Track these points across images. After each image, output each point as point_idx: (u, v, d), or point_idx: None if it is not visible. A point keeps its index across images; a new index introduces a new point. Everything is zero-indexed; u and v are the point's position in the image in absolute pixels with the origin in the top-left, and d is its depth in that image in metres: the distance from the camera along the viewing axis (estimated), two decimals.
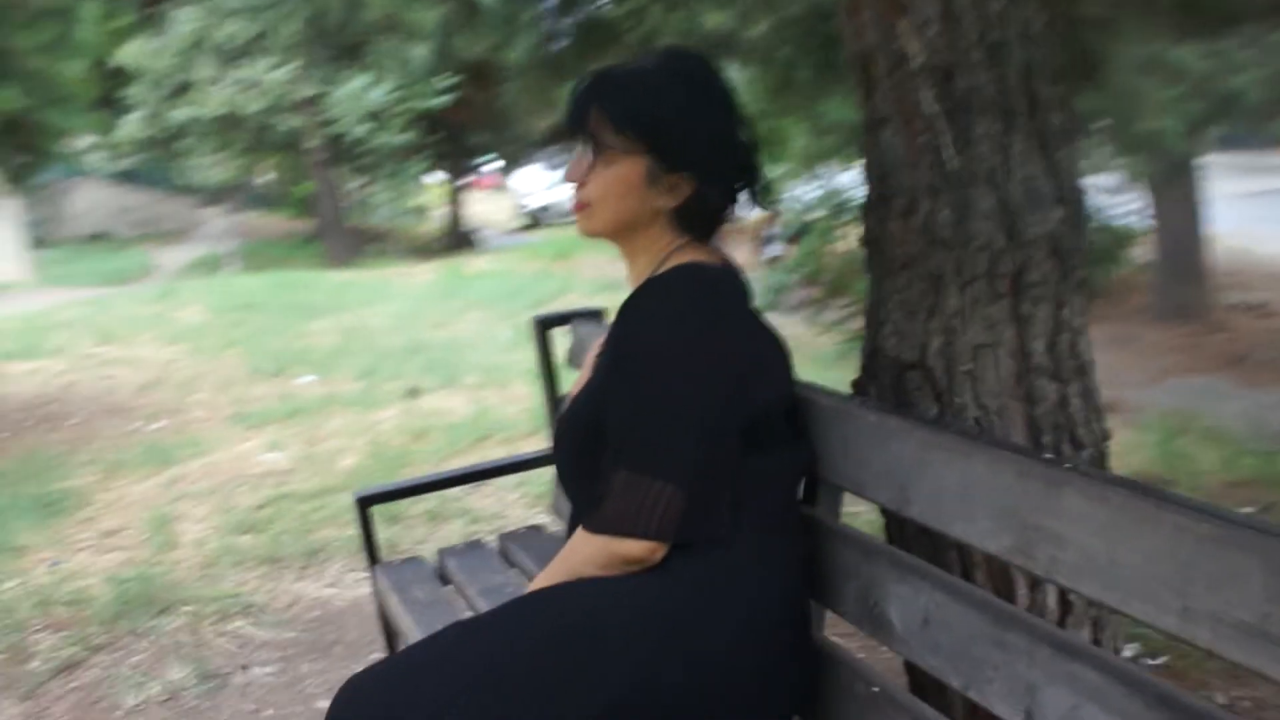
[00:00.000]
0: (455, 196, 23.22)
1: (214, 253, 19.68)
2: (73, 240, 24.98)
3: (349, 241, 18.65)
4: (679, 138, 1.52)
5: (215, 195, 22.15)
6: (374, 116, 16.68)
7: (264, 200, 28.68)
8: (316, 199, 19.24)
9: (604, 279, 14.96)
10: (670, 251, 1.56)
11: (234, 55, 15.63)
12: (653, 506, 1.38)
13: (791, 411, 1.59)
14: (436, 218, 23.72)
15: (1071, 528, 1.13)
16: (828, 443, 1.56)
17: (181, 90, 16.46)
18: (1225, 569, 0.97)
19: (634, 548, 1.39)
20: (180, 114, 16.41)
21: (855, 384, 1.78)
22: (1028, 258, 1.57)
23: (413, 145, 17.92)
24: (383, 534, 3.85)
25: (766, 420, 1.48)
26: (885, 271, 1.69)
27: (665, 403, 1.40)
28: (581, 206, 1.58)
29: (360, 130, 16.97)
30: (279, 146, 18.17)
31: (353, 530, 3.99)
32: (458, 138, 20.27)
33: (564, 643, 1.37)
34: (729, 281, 1.50)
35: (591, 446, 1.48)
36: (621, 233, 1.59)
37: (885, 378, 1.69)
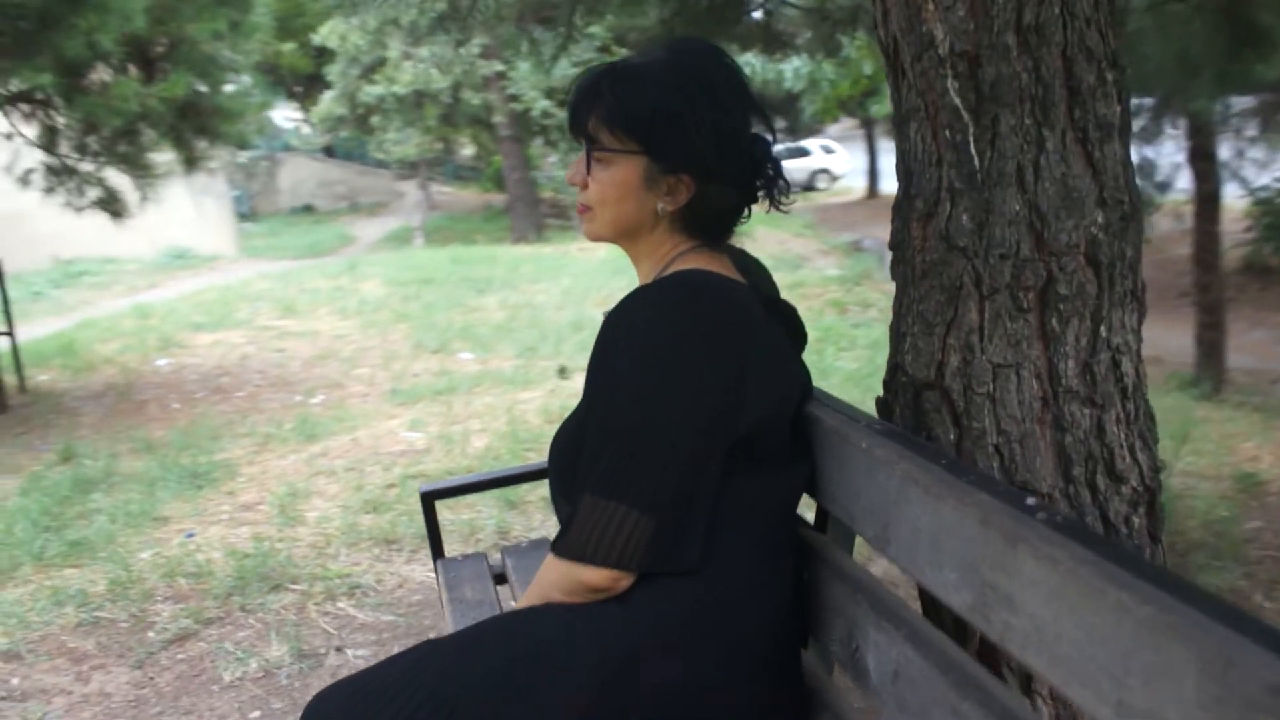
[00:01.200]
0: None
1: (407, 225, 20.50)
2: (281, 213, 26.55)
3: (533, 217, 19.06)
4: (675, 137, 1.43)
5: (412, 169, 23.00)
6: (555, 92, 16.93)
7: (460, 174, 29.66)
8: (504, 174, 19.74)
9: (786, 255, 14.77)
10: (673, 257, 1.48)
11: (424, 32, 16.11)
12: (616, 533, 1.30)
13: (796, 427, 1.48)
14: None
15: (1024, 591, 0.99)
16: (826, 466, 1.44)
17: (374, 68, 17.14)
18: (1162, 661, 0.82)
19: (596, 575, 1.31)
20: (372, 91, 17.09)
21: (879, 403, 1.64)
22: (1057, 268, 1.40)
23: None
24: (499, 519, 3.92)
25: (759, 439, 1.38)
26: (907, 279, 1.54)
27: (635, 423, 1.31)
28: (584, 210, 1.52)
29: (544, 105, 17.27)
30: (469, 122, 18.71)
31: (468, 514, 4.08)
32: None
33: (519, 670, 1.32)
34: (724, 291, 1.39)
35: (575, 466, 1.41)
36: (624, 237, 1.52)
37: (905, 397, 1.54)
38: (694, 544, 1.33)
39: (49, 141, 6.35)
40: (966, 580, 1.09)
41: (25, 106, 6.15)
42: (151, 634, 3.19)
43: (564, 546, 1.34)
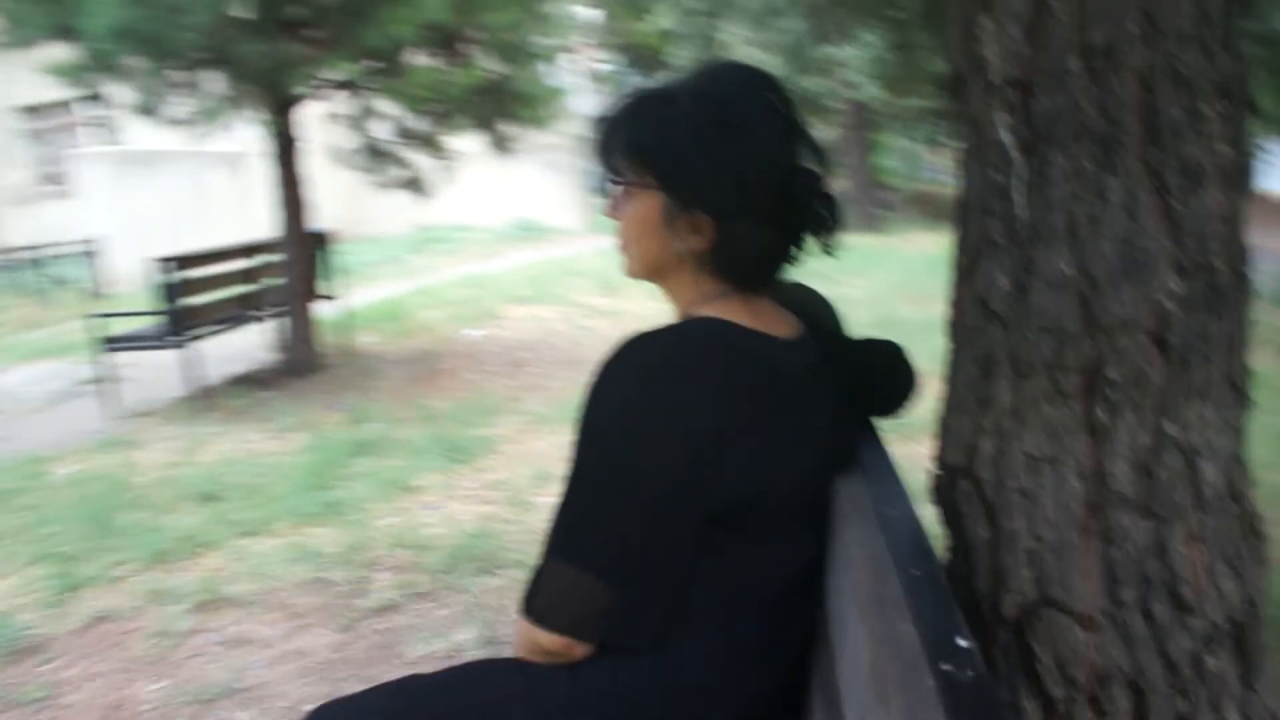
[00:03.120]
0: None
1: None
2: None
3: (865, 207, 18.69)
4: (687, 172, 1.32)
5: None
6: (888, 78, 16.44)
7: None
8: (844, 163, 19.47)
9: None
10: (698, 303, 1.37)
11: (760, 15, 16.12)
12: (570, 598, 1.24)
13: (815, 502, 1.33)
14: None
15: None
16: (834, 553, 1.28)
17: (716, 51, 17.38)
18: None
19: (549, 640, 1.26)
20: None
21: (931, 486, 1.42)
22: (1108, 347, 1.14)
23: (931, 108, 17.46)
24: None
25: (748, 515, 1.25)
26: (952, 346, 1.33)
27: (599, 483, 1.23)
28: (621, 247, 1.44)
29: (875, 92, 16.84)
30: (809, 108, 18.59)
31: None
32: None
33: None
34: (726, 349, 1.25)
35: None
36: (654, 276, 1.43)
37: (943, 482, 1.33)
38: (650, 622, 1.24)
39: (362, 124, 6.94)
40: None
41: (342, 93, 6.77)
42: (362, 601, 3.41)
43: (525, 604, 1.29)
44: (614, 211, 1.43)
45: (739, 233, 1.32)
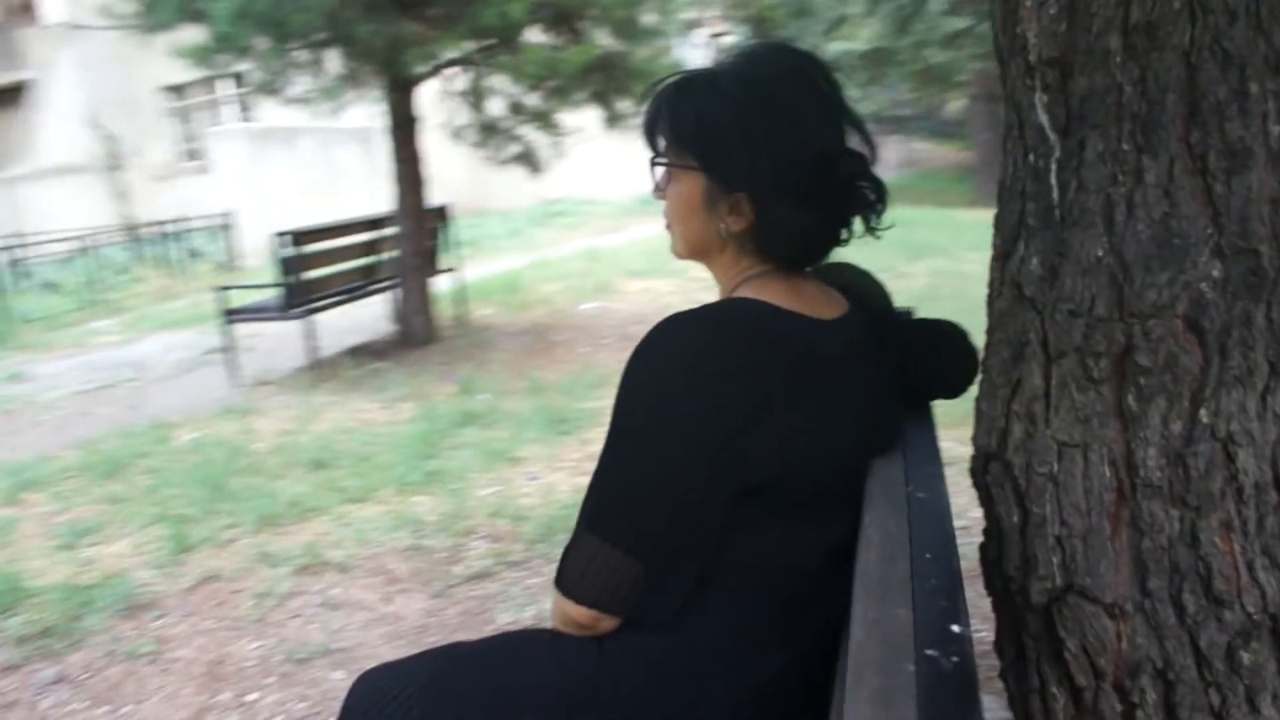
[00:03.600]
0: None
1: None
2: None
3: (994, 178, 18.18)
4: (725, 153, 1.34)
5: (895, 124, 22.72)
6: None
7: (943, 130, 28.90)
8: (971, 135, 18.98)
9: None
10: (740, 282, 1.39)
11: None
12: (598, 572, 1.27)
13: (849, 483, 1.34)
14: None
15: None
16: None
17: (836, 25, 17.09)
18: None
19: (578, 612, 1.30)
20: (833, 48, 17.09)
21: (970, 470, 1.41)
22: (1140, 332, 1.12)
23: None
24: None
25: (777, 492, 1.27)
26: (988, 329, 1.31)
27: (627, 458, 1.27)
28: (666, 227, 1.47)
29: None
30: (931, 80, 18.15)
31: None
32: None
33: (499, 698, 1.34)
34: (761, 327, 1.27)
35: None
36: (699, 256, 1.46)
37: (977, 464, 1.32)
38: (674, 596, 1.26)
39: (478, 101, 7.07)
40: None
41: (458, 70, 6.90)
42: (458, 568, 3.52)
43: (558, 576, 1.32)
44: (659, 192, 1.46)
45: (780, 214, 1.33)
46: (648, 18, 6.84)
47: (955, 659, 0.87)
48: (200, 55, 6.16)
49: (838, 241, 1.42)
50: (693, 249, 1.45)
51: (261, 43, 6.10)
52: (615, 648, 1.29)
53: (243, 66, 6.40)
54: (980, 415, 1.27)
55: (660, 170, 1.44)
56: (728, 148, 1.33)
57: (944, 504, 1.22)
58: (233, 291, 7.16)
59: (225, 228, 14.56)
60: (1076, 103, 1.16)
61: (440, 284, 7.89)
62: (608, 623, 1.28)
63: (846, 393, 1.31)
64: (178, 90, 20.04)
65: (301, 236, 6.71)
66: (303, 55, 6.33)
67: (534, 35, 6.84)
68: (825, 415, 1.28)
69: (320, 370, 6.80)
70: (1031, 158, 1.21)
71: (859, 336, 1.39)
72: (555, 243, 14.39)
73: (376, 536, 3.78)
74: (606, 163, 16.31)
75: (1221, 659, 1.13)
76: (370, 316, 8.42)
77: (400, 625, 3.16)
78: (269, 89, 6.33)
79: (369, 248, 7.47)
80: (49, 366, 8.29)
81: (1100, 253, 1.13)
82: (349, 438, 5.10)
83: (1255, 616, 1.13)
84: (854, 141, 1.40)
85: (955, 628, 0.92)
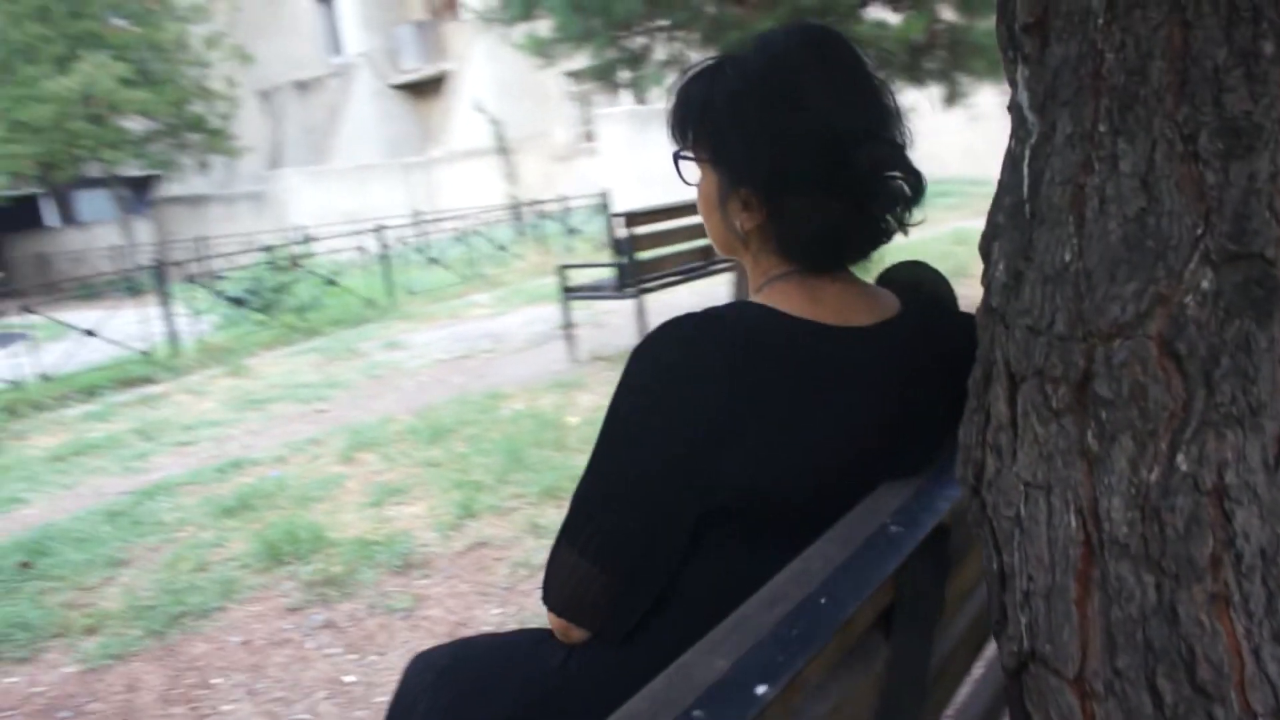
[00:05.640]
0: None
1: None
2: None
3: None
4: (725, 143, 1.28)
5: None
6: None
7: None
8: None
9: None
10: (762, 285, 1.33)
11: None
12: (566, 580, 1.29)
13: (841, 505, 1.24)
14: None
15: None
16: None
17: None
18: None
19: (551, 618, 1.32)
20: None
21: None
22: (1102, 355, 0.91)
23: None
24: None
25: (749, 514, 1.21)
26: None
27: (600, 469, 1.25)
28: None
29: None
30: None
31: None
32: None
33: (477, 689, 1.38)
34: (753, 341, 1.19)
35: None
36: (729, 254, 1.41)
37: (965, 496, 1.14)
38: (634, 610, 1.23)
39: None
40: None
41: None
42: None
43: (543, 581, 1.34)
44: (690, 185, 1.41)
45: (792, 209, 1.24)
46: None
47: None
48: (537, 47, 6.55)
49: (877, 239, 1.29)
50: (720, 246, 1.39)
51: (593, 31, 6.38)
52: (579, 657, 1.28)
53: (571, 56, 6.72)
54: (958, 443, 1.09)
55: (685, 163, 1.38)
56: (725, 138, 1.25)
57: (909, 544, 1.07)
58: (574, 270, 7.57)
59: (604, 207, 15.39)
60: (1050, 76, 0.96)
61: None
62: (577, 633, 1.28)
63: (854, 408, 1.19)
64: (577, 75, 21.47)
65: (634, 218, 6.96)
66: (635, 41, 6.55)
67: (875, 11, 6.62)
68: (817, 432, 1.17)
69: None
70: (1013, 143, 1.02)
71: (903, 344, 1.26)
72: (928, 224, 13.88)
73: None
74: (999, 141, 15.48)
75: None
76: (713, 297, 8.59)
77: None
78: (598, 76, 6.61)
79: None
80: (423, 336, 9.23)
81: (1068, 257, 0.94)
82: None
83: (1261, 714, 0.90)
84: (881, 126, 1.26)
85: (761, 689, 0.82)
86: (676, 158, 1.36)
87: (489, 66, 21.56)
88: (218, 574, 3.91)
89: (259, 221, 24.73)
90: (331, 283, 13.15)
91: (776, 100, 1.21)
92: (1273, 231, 0.86)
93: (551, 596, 1.27)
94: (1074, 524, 0.95)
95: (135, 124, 23.68)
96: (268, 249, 14.31)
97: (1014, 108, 1.01)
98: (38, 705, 3.12)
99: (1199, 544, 0.89)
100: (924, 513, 1.13)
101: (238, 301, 12.53)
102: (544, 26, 6.72)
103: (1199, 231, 0.88)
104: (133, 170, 25.62)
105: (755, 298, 1.30)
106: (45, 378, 9.63)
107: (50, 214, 32.20)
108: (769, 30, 1.30)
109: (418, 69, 28.14)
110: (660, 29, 6.22)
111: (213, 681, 3.16)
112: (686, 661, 0.87)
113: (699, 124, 1.30)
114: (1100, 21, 0.92)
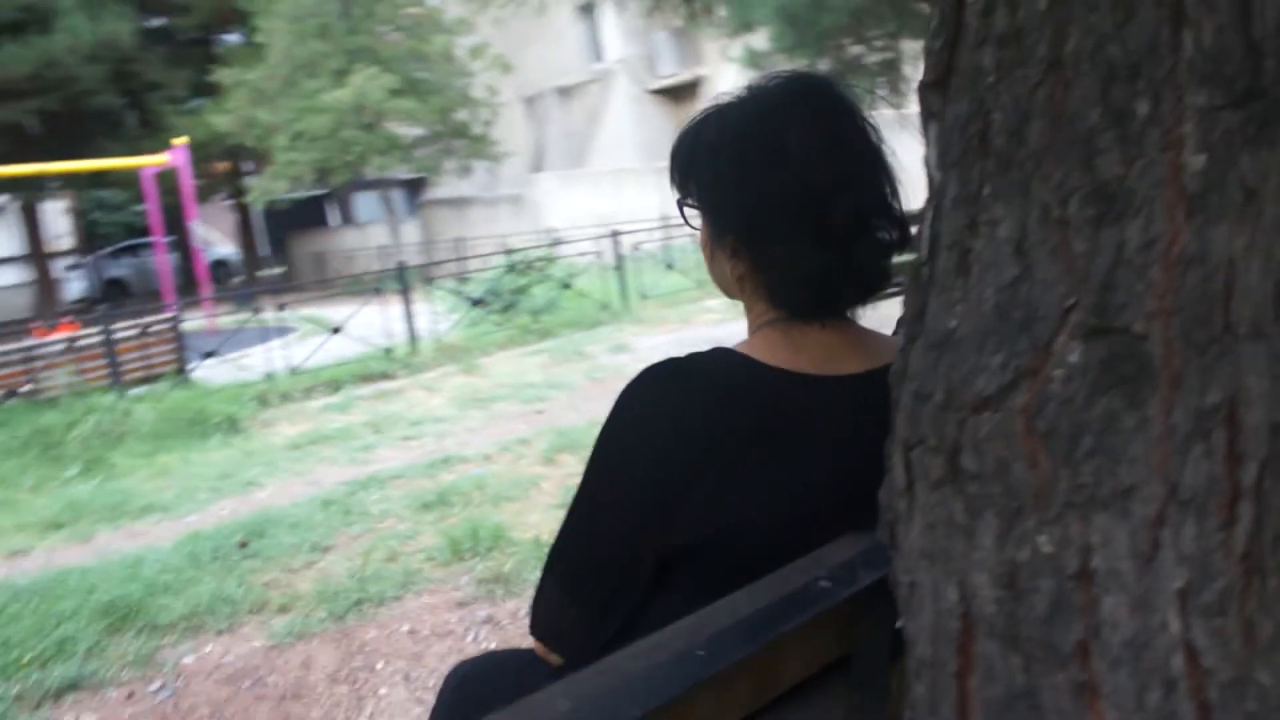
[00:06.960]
0: None
1: None
2: None
3: None
4: (708, 193, 1.32)
5: None
6: None
7: None
8: None
9: None
10: (755, 329, 1.37)
11: None
12: (545, 609, 1.37)
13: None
14: None
15: None
16: None
17: None
18: None
19: (533, 643, 1.39)
20: None
21: None
22: (970, 428, 0.88)
23: None
24: None
25: (705, 558, 1.24)
26: None
27: (576, 507, 1.32)
28: None
29: None
30: None
31: None
32: None
33: (468, 703, 1.46)
34: (721, 389, 1.22)
35: None
36: (730, 297, 1.44)
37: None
38: (596, 642, 1.29)
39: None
40: None
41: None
42: None
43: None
44: (695, 229, 1.43)
45: (776, 257, 1.26)
46: None
47: None
48: (752, 59, 6.59)
49: (870, 287, 1.28)
50: (721, 290, 1.42)
51: (804, 42, 6.36)
52: (550, 683, 1.32)
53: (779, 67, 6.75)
54: (879, 505, 1.07)
55: (691, 210, 1.41)
56: (708, 188, 1.28)
57: (833, 600, 1.06)
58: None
59: None
60: (947, 135, 0.94)
61: None
62: (554, 658, 1.33)
63: (818, 457, 1.19)
64: None
65: None
66: (848, 51, 6.49)
67: None
68: (776, 481, 1.18)
69: None
70: (927, 201, 1.00)
71: (880, 396, 1.25)
72: None
73: None
74: None
75: None
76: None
77: None
78: None
79: None
80: (651, 340, 9.42)
81: (952, 324, 0.91)
82: None
83: None
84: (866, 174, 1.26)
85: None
86: (679, 204, 1.38)
87: (740, 71, 21.73)
88: (403, 565, 4.19)
89: (517, 223, 25.88)
90: (566, 286, 13.62)
91: (756, 153, 1.21)
92: (1143, 305, 0.81)
93: (533, 623, 1.34)
94: (954, 596, 0.92)
95: (405, 129, 25.21)
96: (509, 253, 14.95)
97: (926, 165, 0.99)
98: (226, 673, 3.46)
99: (1063, 629, 0.85)
100: (864, 568, 1.11)
101: (479, 302, 13.21)
102: (760, 39, 6.78)
103: (1070, 302, 0.83)
104: (404, 174, 27.39)
105: (745, 343, 1.31)
106: (295, 371, 10.50)
107: (333, 214, 35.05)
108: (761, 78, 1.30)
109: (674, 74, 28.71)
110: (872, 38, 6.14)
111: (377, 666, 3.40)
112: (535, 699, 0.91)
113: (685, 174, 1.32)
114: (990, 80, 0.89)
